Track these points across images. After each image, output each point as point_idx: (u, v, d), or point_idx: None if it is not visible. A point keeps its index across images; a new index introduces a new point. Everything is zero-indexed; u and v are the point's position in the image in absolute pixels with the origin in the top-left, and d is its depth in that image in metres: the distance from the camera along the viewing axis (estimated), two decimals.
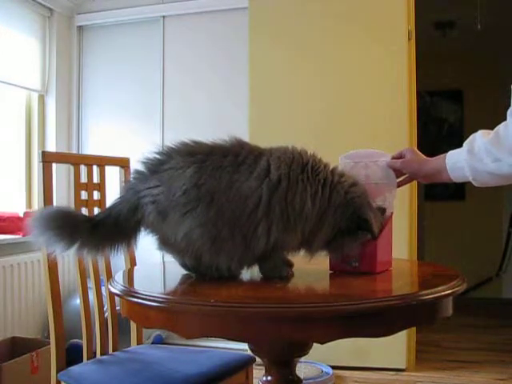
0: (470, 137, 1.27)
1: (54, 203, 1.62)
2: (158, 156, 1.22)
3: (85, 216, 1.30)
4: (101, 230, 1.19)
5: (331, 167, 1.24)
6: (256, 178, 1.15)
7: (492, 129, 1.25)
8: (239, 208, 1.14)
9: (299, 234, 1.17)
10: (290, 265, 1.30)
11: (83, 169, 1.75)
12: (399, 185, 1.42)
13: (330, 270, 1.30)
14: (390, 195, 1.38)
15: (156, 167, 1.21)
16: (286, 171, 1.16)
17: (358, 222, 1.20)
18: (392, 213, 1.36)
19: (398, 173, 1.39)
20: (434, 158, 1.34)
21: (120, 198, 1.24)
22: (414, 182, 2.97)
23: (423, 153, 1.40)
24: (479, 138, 1.24)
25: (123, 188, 1.26)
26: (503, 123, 1.21)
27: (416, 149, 1.41)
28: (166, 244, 1.21)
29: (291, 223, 1.15)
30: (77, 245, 1.17)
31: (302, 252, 1.24)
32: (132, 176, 1.26)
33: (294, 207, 1.15)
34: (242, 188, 1.15)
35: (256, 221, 1.14)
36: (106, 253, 1.22)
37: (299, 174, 1.17)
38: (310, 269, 1.40)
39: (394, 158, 1.40)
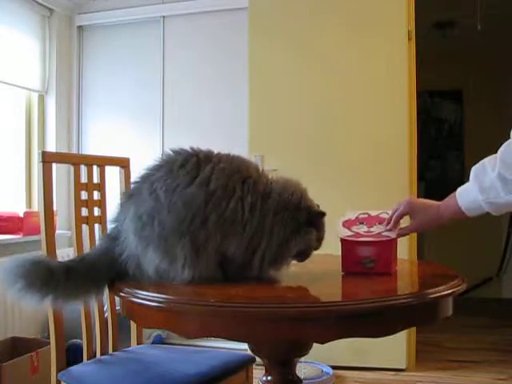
0: (476, 168, 1.20)
1: (54, 203, 1.63)
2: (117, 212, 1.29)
3: (55, 265, 1.25)
4: (73, 279, 1.21)
5: (274, 179, 1.26)
6: (197, 185, 1.18)
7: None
8: (181, 213, 1.16)
9: (239, 240, 1.17)
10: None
11: (83, 169, 1.75)
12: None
13: (343, 271, 1.30)
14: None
15: (119, 221, 1.27)
16: (224, 182, 1.18)
17: (308, 218, 1.22)
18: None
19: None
20: (444, 202, 1.28)
21: (96, 249, 1.32)
22: (414, 180, 2.98)
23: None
24: (487, 169, 1.17)
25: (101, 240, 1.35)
26: (505, 143, 1.16)
27: (414, 201, 1.35)
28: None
29: (228, 230, 1.17)
30: (50, 297, 1.18)
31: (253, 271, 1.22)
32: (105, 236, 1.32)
33: (228, 216, 1.16)
34: (183, 194, 1.17)
35: (197, 227, 1.16)
36: (81, 300, 1.27)
37: (238, 184, 1.19)
38: (320, 270, 1.40)
39: (394, 215, 1.33)
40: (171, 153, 1.26)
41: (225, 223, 1.17)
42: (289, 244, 1.20)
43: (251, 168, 1.25)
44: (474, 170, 1.21)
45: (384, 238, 1.29)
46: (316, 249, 1.27)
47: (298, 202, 1.22)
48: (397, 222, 1.33)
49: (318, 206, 1.29)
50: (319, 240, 1.27)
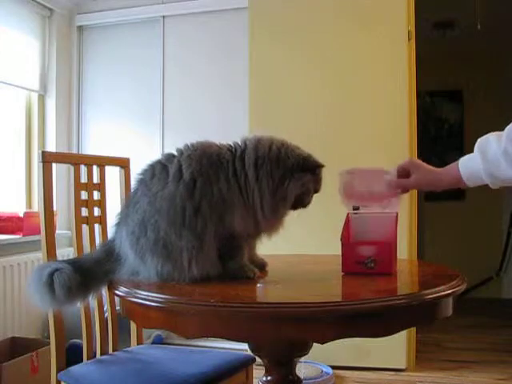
0: (480, 142, 1.24)
1: (54, 203, 1.63)
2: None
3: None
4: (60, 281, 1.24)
5: (245, 140, 1.31)
6: (172, 181, 1.21)
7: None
8: (170, 212, 1.19)
9: (238, 217, 1.21)
10: (261, 265, 1.33)
11: (83, 169, 1.75)
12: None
13: (343, 271, 1.30)
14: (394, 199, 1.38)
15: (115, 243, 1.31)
16: (197, 168, 1.22)
17: (301, 164, 1.26)
18: (397, 213, 1.36)
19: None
20: (446, 169, 1.31)
21: (88, 257, 1.37)
22: None
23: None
24: (491, 144, 1.20)
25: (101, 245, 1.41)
26: None
27: (416, 159, 1.37)
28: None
29: (222, 212, 1.20)
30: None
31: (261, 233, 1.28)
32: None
33: (217, 197, 1.20)
34: (164, 195, 1.20)
35: (192, 217, 1.18)
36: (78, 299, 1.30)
37: (209, 167, 1.22)
38: (320, 270, 1.40)
39: (398, 174, 1.36)
40: (139, 175, 1.30)
41: (217, 204, 1.19)
42: (281, 191, 1.23)
43: (214, 145, 1.29)
44: (478, 142, 1.24)
45: (389, 213, 1.34)
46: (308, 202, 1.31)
47: (279, 152, 1.27)
48: (397, 174, 1.36)
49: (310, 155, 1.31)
50: (315, 191, 1.30)
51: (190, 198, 1.19)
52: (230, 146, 1.30)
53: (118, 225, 1.31)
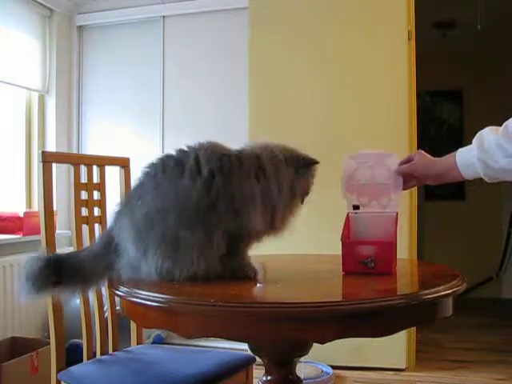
0: (478, 134, 1.26)
1: (54, 203, 1.63)
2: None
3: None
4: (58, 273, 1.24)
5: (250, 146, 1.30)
6: (188, 176, 1.19)
7: None
8: (184, 207, 1.17)
9: (258, 216, 1.20)
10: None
11: (83, 169, 1.75)
12: (406, 187, 1.42)
13: (344, 271, 1.30)
14: (395, 195, 1.39)
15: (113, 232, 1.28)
16: (217, 165, 1.20)
17: (304, 163, 1.28)
18: (397, 212, 1.36)
19: (407, 176, 1.39)
20: (443, 157, 1.33)
21: (92, 247, 1.36)
22: None
23: None
24: (488, 135, 1.22)
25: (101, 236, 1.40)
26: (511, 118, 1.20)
27: (423, 151, 1.39)
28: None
29: (239, 212, 1.19)
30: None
31: (271, 232, 1.27)
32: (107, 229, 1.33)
33: (238, 194, 1.19)
34: (177, 191, 1.18)
35: (204, 216, 1.17)
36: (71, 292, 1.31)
37: (230, 166, 1.21)
38: (321, 270, 1.40)
39: (402, 162, 1.39)
40: (147, 168, 1.27)
41: (235, 203, 1.18)
42: (294, 189, 1.26)
43: (225, 146, 1.29)
44: (478, 133, 1.26)
45: (389, 213, 1.36)
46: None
47: (280, 153, 1.27)
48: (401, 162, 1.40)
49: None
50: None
51: (207, 195, 1.17)
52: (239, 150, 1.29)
53: (118, 213, 1.28)
